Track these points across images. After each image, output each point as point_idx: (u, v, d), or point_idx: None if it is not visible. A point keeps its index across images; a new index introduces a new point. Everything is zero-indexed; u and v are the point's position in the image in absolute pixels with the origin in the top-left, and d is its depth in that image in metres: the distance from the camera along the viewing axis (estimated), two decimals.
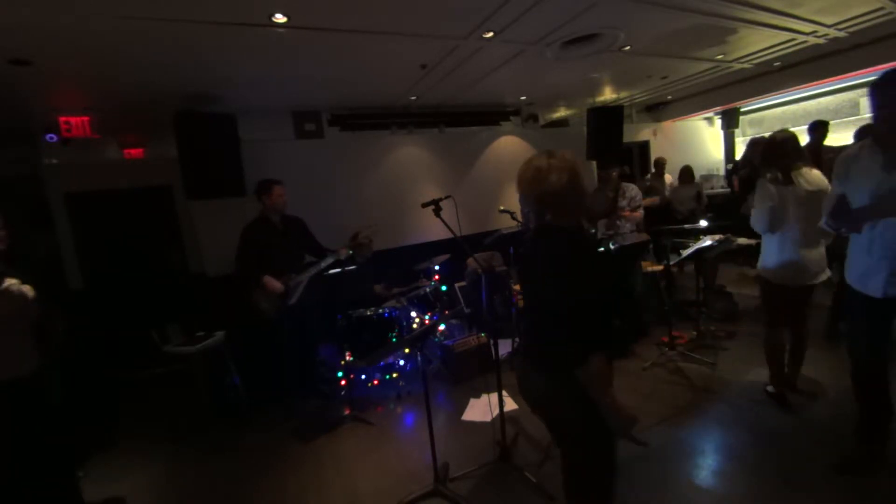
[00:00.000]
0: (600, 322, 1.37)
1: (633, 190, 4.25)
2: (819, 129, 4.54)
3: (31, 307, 2.12)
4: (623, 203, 4.19)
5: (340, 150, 5.10)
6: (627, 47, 3.84)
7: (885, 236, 1.83)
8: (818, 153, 4.61)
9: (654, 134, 7.65)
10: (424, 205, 2.51)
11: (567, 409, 1.42)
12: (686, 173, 5.88)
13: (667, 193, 6.06)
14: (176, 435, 3.37)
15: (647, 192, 5.49)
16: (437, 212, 2.44)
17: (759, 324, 4.11)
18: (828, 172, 4.82)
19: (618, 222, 4.20)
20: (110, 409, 3.88)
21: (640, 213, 4.21)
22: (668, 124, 7.75)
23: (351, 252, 3.59)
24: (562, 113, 6.87)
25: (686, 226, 4.07)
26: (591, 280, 1.34)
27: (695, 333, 3.94)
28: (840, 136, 5.39)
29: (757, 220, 2.56)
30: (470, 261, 4.42)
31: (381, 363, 3.77)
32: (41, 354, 2.25)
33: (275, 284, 3.35)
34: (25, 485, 2.11)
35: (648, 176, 6.83)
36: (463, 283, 4.50)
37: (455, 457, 2.60)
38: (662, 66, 4.76)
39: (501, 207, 3.34)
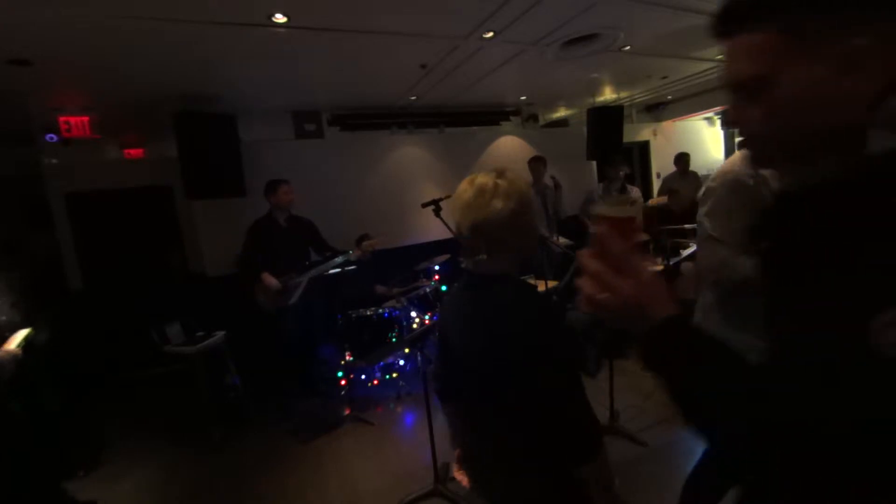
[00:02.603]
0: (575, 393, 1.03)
1: (636, 193, 4.28)
2: None
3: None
4: None
5: (340, 150, 5.10)
6: (627, 47, 3.83)
7: None
8: None
9: (654, 134, 7.64)
10: (424, 205, 2.51)
11: None
12: None
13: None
14: (176, 435, 3.37)
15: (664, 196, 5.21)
16: (437, 212, 2.45)
17: None
18: None
19: None
20: (110, 410, 3.88)
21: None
22: (668, 124, 7.75)
23: (360, 252, 3.60)
24: (562, 113, 6.87)
25: (686, 225, 4.06)
26: (557, 340, 1.05)
27: None
28: None
29: None
30: None
31: (381, 363, 3.77)
32: (19, 364, 2.20)
33: (271, 281, 3.40)
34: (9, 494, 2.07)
35: (663, 177, 6.56)
36: None
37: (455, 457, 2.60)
38: (662, 66, 4.76)
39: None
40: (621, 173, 4.28)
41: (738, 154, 1.45)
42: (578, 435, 1.03)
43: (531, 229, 1.16)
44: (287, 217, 3.61)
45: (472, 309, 1.15)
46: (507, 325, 1.05)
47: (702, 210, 1.41)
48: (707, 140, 8.26)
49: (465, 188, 1.12)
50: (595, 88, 5.50)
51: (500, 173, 1.11)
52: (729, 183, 1.36)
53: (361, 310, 3.72)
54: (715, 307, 1.48)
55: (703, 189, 1.46)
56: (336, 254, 3.60)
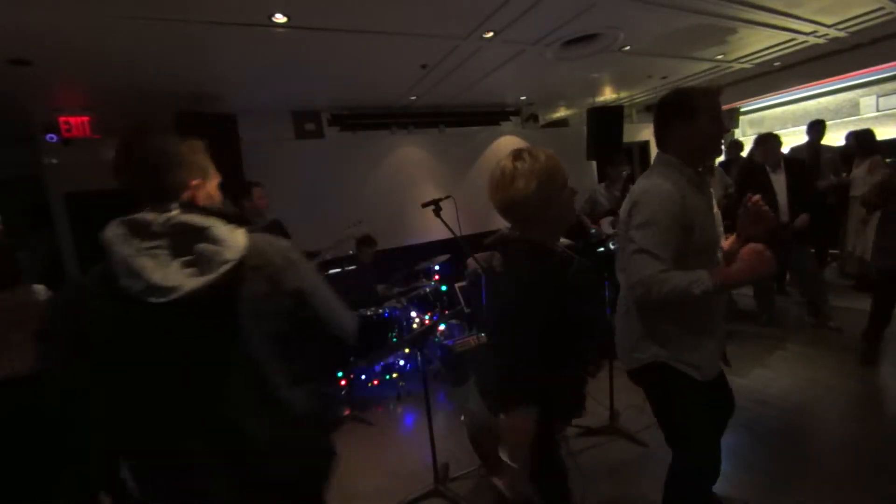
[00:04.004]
0: (546, 366, 1.15)
1: None
2: (817, 128, 4.55)
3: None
4: None
5: (340, 150, 5.10)
6: (627, 47, 3.83)
7: None
8: (816, 152, 4.62)
9: None
10: (424, 205, 2.51)
11: None
12: None
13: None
14: None
15: None
16: (438, 212, 2.45)
17: (759, 324, 4.14)
18: (826, 172, 4.75)
19: None
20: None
21: None
22: None
23: (344, 248, 3.53)
24: (562, 113, 6.87)
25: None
26: (546, 310, 1.14)
27: None
28: (840, 136, 5.39)
29: None
30: (470, 261, 4.42)
31: (381, 363, 3.77)
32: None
33: None
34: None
35: None
36: (463, 283, 4.51)
37: (455, 457, 2.60)
38: (662, 66, 4.76)
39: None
40: (623, 173, 4.27)
41: (659, 169, 1.48)
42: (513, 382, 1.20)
43: (561, 199, 1.23)
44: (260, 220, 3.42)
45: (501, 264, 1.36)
46: (516, 279, 1.21)
47: (634, 221, 1.38)
48: None
49: (493, 171, 1.25)
50: (595, 88, 5.50)
51: (519, 154, 1.22)
52: (664, 197, 1.36)
53: (361, 310, 3.72)
54: (634, 314, 1.53)
55: (632, 202, 1.44)
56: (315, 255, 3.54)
